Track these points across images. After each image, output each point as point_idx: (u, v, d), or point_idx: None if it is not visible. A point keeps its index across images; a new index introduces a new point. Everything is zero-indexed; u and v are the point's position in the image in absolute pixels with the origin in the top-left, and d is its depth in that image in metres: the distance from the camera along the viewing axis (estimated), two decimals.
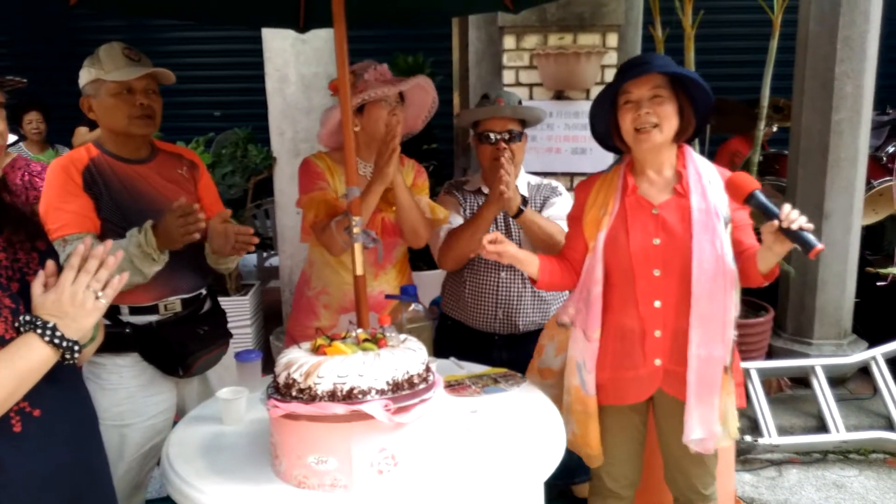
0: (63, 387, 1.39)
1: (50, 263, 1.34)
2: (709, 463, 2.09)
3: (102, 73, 2.06)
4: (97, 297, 1.29)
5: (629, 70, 1.93)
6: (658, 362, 1.98)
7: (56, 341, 1.25)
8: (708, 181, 1.95)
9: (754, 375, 3.68)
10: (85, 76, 2.11)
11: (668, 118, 1.91)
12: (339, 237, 2.19)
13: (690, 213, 1.91)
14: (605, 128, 2.04)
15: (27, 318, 1.26)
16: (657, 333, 1.96)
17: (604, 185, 2.06)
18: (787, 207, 1.70)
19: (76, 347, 1.28)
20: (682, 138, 1.99)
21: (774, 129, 5.35)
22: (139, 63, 2.10)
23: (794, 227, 1.67)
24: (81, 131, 4.95)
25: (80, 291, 1.27)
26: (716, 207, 1.91)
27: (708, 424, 1.93)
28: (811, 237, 1.66)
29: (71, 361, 1.30)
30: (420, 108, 2.54)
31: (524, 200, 2.36)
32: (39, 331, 1.24)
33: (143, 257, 1.95)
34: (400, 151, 2.23)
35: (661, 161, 1.99)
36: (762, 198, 1.75)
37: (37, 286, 1.29)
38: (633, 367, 2.00)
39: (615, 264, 1.98)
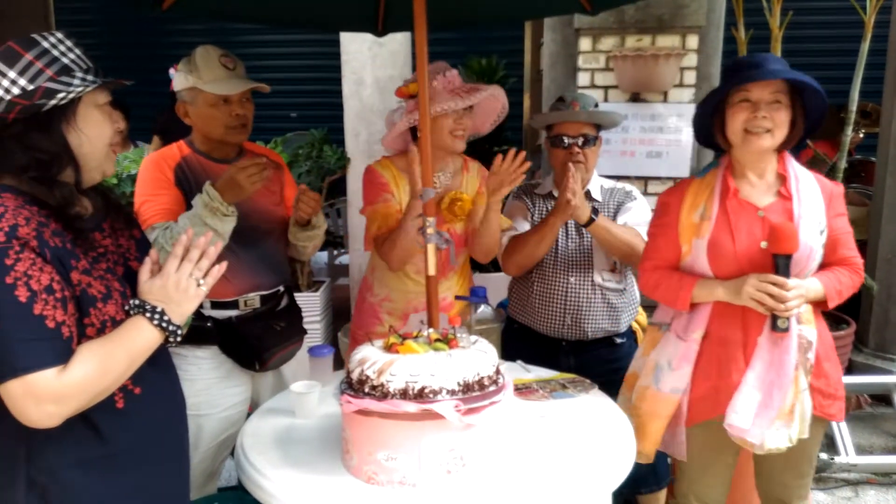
0: (160, 368, 1.46)
1: (153, 251, 1.43)
2: (805, 475, 2.05)
3: (200, 82, 2.10)
4: (199, 285, 1.37)
5: (752, 69, 1.87)
6: None
7: (163, 325, 1.34)
8: (806, 188, 1.92)
9: None
10: (181, 82, 2.15)
11: (782, 125, 1.87)
12: (414, 237, 2.20)
13: (793, 216, 1.89)
14: (708, 121, 1.99)
15: (137, 302, 1.35)
16: (759, 339, 1.92)
17: (701, 188, 2.01)
18: (790, 292, 1.79)
19: (179, 331, 1.36)
20: (786, 147, 1.95)
21: (861, 134, 5.12)
22: (235, 72, 2.14)
23: (780, 309, 1.81)
24: (157, 141, 5.14)
25: (184, 279, 1.36)
26: (813, 214, 1.90)
27: (762, 414, 1.87)
28: (780, 322, 1.84)
29: (174, 344, 1.39)
30: (489, 113, 2.49)
31: (594, 210, 2.31)
32: (149, 314, 1.33)
33: (212, 214, 1.99)
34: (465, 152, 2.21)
35: (764, 165, 1.95)
36: (786, 264, 1.83)
37: (144, 272, 1.38)
38: (733, 373, 1.93)
39: (719, 269, 1.94)
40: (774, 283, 1.81)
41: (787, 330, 1.85)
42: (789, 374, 1.86)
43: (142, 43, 6.82)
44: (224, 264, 1.43)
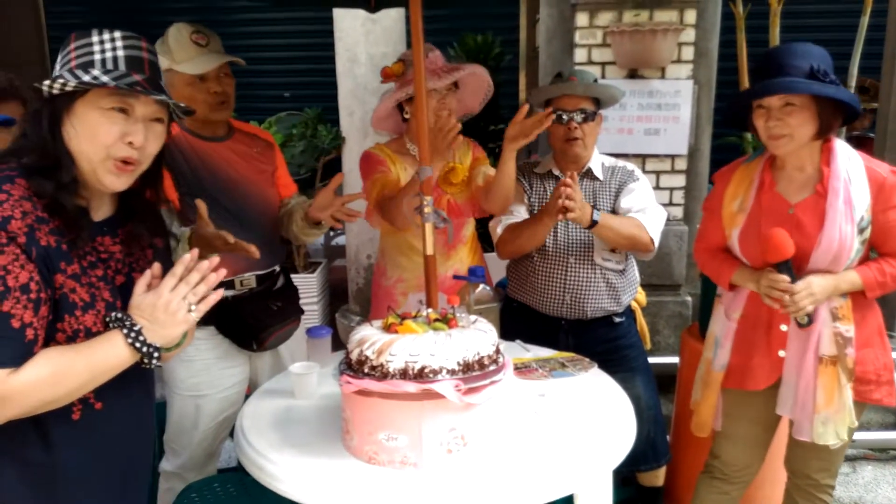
0: (131, 386, 1.39)
1: (156, 266, 1.35)
2: (829, 459, 2.08)
3: (174, 63, 2.07)
4: (189, 311, 1.30)
5: (763, 76, 1.85)
6: (782, 353, 1.99)
7: (137, 345, 1.27)
8: (849, 180, 1.88)
9: None
10: None
11: (800, 126, 1.84)
12: (410, 217, 2.19)
13: (825, 215, 1.87)
14: (743, 118, 1.99)
15: (118, 315, 1.28)
16: (783, 328, 1.98)
17: (744, 177, 2.03)
18: (796, 294, 1.83)
19: (156, 354, 1.29)
20: (825, 135, 1.90)
21: (861, 109, 5.10)
22: (208, 47, 2.10)
23: (791, 310, 1.88)
24: None
25: (175, 301, 1.28)
26: (854, 210, 1.87)
27: (801, 407, 1.95)
28: (798, 318, 1.90)
29: (149, 367, 1.31)
30: (476, 91, 2.53)
31: (595, 208, 2.28)
32: (125, 331, 1.26)
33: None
34: (460, 131, 2.20)
35: (802, 159, 1.94)
36: (787, 268, 1.87)
37: (140, 285, 1.31)
38: (758, 354, 2.02)
39: (750, 260, 2.01)
40: (782, 284, 1.85)
41: (809, 325, 1.89)
42: (811, 369, 1.91)
43: (130, 21, 6.73)
44: (220, 292, 1.34)
